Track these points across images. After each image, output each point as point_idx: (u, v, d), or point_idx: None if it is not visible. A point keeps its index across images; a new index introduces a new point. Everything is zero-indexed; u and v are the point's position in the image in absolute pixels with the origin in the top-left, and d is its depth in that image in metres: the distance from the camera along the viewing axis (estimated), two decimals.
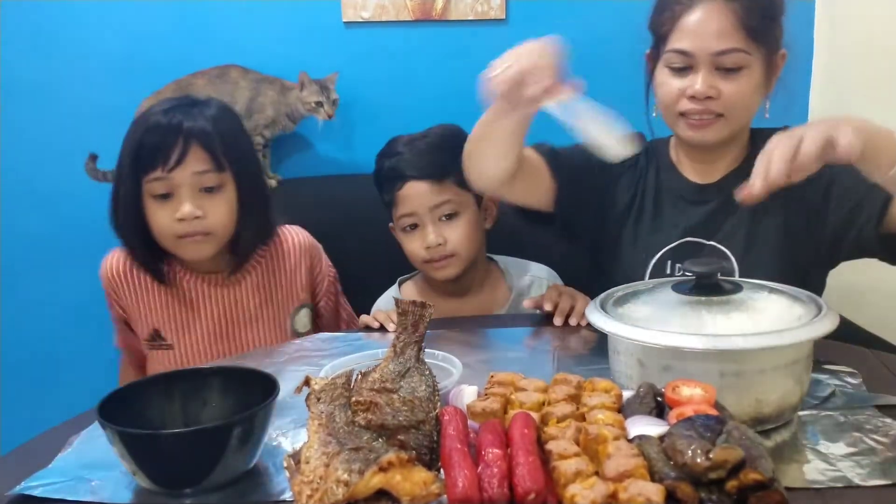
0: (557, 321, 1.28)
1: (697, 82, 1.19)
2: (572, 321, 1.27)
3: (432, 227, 1.44)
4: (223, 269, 1.35)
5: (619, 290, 1.03)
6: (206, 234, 1.27)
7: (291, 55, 1.91)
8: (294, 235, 1.47)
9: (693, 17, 1.19)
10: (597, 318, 0.92)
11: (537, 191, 1.29)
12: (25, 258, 1.97)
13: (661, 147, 1.37)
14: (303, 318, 1.46)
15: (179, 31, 1.91)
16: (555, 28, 1.92)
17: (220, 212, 1.28)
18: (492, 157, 1.20)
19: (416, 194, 1.44)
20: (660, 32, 1.24)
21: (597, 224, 1.35)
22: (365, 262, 1.77)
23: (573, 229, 1.35)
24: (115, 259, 1.37)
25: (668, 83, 1.23)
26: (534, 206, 1.31)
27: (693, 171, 1.32)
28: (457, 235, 1.45)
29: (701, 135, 1.23)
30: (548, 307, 1.30)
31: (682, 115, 1.23)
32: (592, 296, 1.01)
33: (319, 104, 1.79)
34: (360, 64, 1.95)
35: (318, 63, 1.95)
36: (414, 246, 1.47)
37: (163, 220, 1.25)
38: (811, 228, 1.24)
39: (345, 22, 1.93)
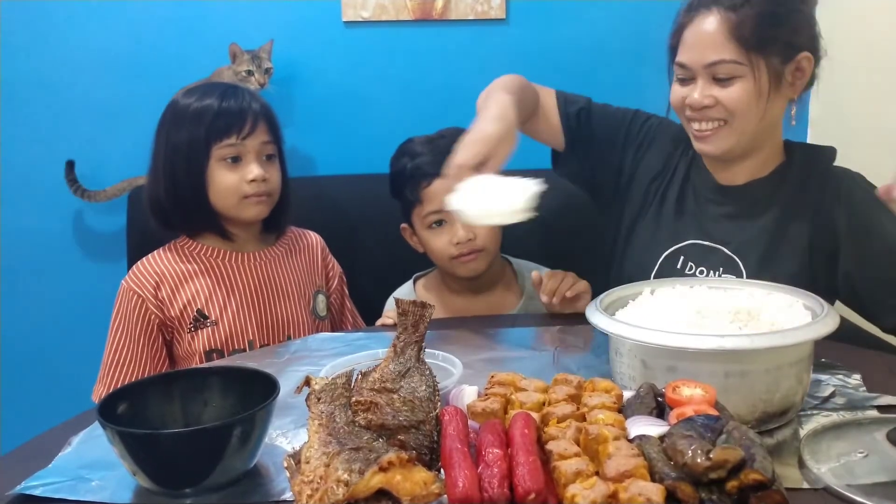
0: (544, 298, 1.32)
1: (695, 92, 1.22)
2: (555, 300, 1.31)
3: (461, 223, 1.42)
4: (255, 247, 1.51)
5: (617, 291, 1.03)
6: (268, 195, 1.44)
7: (291, 55, 1.91)
8: (307, 231, 1.61)
9: (691, 31, 1.22)
10: (600, 319, 0.91)
11: (546, 134, 1.40)
12: (25, 258, 1.97)
13: None
14: (321, 303, 1.56)
15: (179, 31, 1.91)
16: (554, 28, 1.96)
17: (276, 177, 1.47)
18: None
19: (445, 191, 1.43)
20: (671, 46, 1.28)
21: (608, 179, 1.40)
22: (364, 261, 1.78)
23: (583, 177, 1.44)
24: (145, 266, 1.44)
25: (674, 92, 1.28)
26: (546, 143, 1.42)
27: (718, 173, 1.33)
28: (485, 230, 1.45)
29: (707, 146, 1.25)
30: (546, 288, 1.33)
31: (689, 122, 1.26)
32: (603, 284, 1.02)
33: (250, 73, 1.81)
34: (360, 64, 1.96)
35: (318, 63, 1.95)
36: (441, 242, 1.47)
37: (232, 180, 1.41)
38: (829, 262, 1.22)
39: (345, 21, 1.94)
